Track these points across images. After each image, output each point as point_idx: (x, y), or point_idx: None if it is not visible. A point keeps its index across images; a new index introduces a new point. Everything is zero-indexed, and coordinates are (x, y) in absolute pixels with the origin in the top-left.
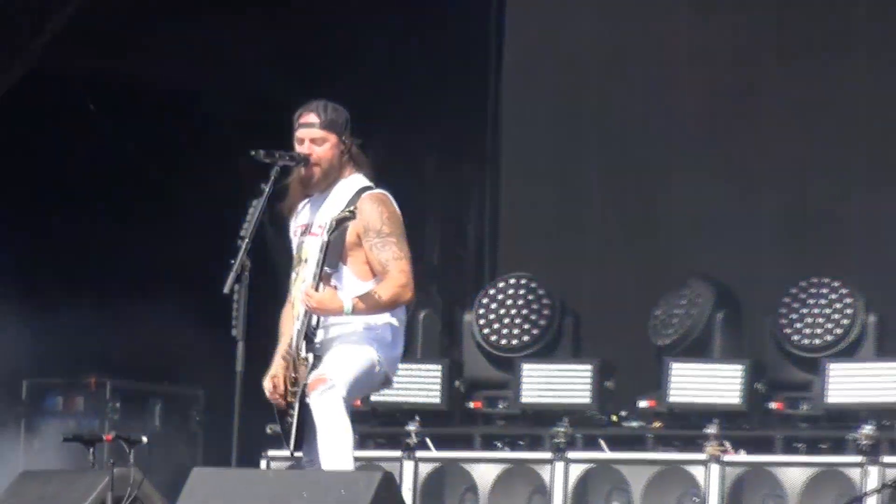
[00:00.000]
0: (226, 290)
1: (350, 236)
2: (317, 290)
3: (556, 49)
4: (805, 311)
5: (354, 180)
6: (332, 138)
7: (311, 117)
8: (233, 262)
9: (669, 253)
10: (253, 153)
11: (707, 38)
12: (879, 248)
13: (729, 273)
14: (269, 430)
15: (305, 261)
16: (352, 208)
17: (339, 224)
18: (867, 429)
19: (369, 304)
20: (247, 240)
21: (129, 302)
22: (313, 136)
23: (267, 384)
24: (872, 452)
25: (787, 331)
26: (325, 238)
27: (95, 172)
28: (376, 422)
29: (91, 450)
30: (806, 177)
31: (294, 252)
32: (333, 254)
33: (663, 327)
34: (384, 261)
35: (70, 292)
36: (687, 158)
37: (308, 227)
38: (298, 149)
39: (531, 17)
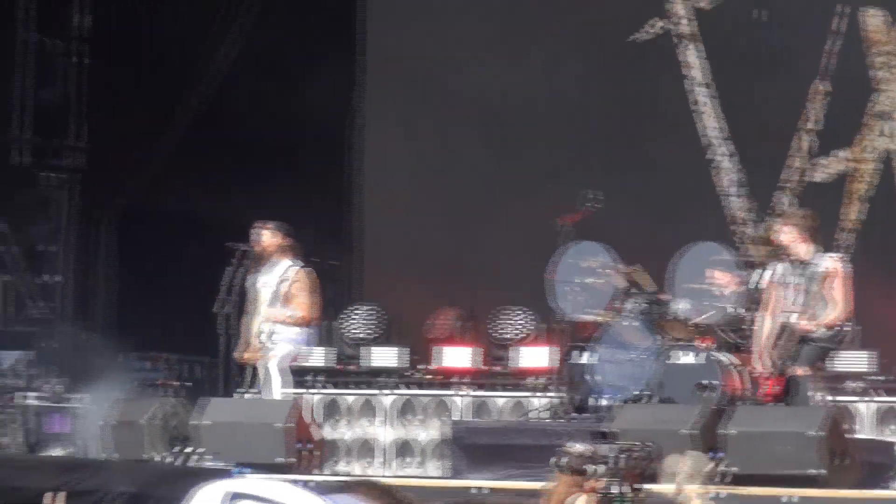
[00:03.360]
0: (214, 309)
1: (290, 289)
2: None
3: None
4: (507, 322)
5: (290, 261)
6: (269, 237)
7: (262, 225)
8: (219, 297)
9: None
10: (228, 243)
11: None
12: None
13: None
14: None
15: (263, 299)
16: (293, 276)
17: (287, 283)
18: (535, 380)
19: (299, 321)
20: (225, 286)
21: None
22: (262, 235)
23: (236, 353)
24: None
25: (497, 331)
26: (276, 289)
27: None
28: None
29: None
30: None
31: (254, 293)
32: (282, 296)
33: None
34: (304, 304)
35: None
36: None
37: (264, 283)
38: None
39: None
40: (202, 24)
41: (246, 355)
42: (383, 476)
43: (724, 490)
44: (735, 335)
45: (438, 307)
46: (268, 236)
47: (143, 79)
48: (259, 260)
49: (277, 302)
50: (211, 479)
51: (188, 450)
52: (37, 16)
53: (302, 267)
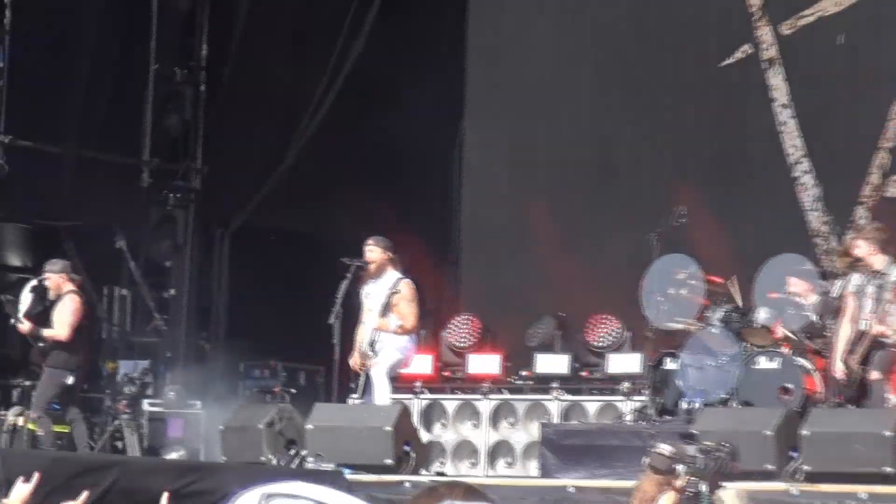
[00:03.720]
0: (330, 320)
1: (393, 300)
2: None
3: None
4: (599, 330)
5: (395, 273)
6: (379, 252)
7: (371, 241)
8: (333, 308)
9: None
10: (342, 259)
11: None
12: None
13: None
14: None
15: (370, 309)
16: (397, 288)
17: (392, 294)
18: (625, 384)
19: (403, 330)
20: (339, 298)
21: None
22: (370, 251)
23: (351, 360)
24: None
25: (590, 339)
26: (385, 300)
27: None
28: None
29: None
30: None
31: (364, 303)
32: (387, 307)
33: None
34: (407, 314)
35: None
36: None
37: (369, 294)
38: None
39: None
40: (312, 51)
41: (357, 362)
42: (480, 476)
43: (799, 487)
44: (815, 342)
45: (535, 317)
46: (376, 251)
47: (257, 104)
48: (368, 273)
49: (385, 312)
50: (315, 479)
51: (302, 453)
52: (158, 47)
53: (406, 279)
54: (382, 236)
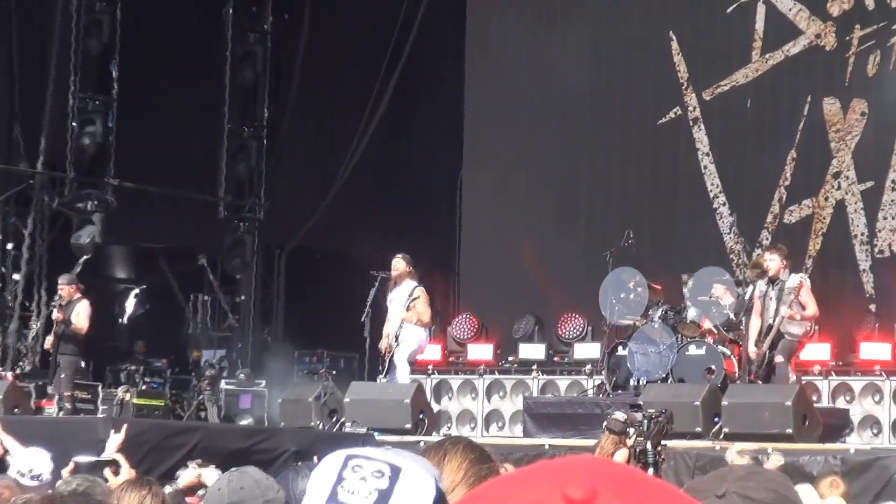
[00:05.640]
0: (361, 319)
1: (412, 303)
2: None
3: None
4: (568, 325)
5: (412, 282)
6: (403, 265)
7: (399, 256)
8: (364, 310)
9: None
10: (372, 271)
11: None
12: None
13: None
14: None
15: (394, 311)
16: (415, 293)
17: (412, 299)
18: (588, 367)
19: (421, 324)
20: (369, 302)
21: None
22: (397, 264)
23: (381, 343)
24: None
25: (561, 332)
26: (406, 304)
27: None
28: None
29: None
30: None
31: (389, 305)
32: (408, 308)
33: (516, 331)
34: (423, 312)
35: None
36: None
37: (393, 299)
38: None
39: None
40: (347, 113)
41: (385, 346)
42: (477, 437)
43: (721, 444)
44: (732, 334)
45: (519, 315)
46: (400, 265)
47: (307, 153)
48: (393, 282)
49: (406, 312)
50: (352, 441)
51: (342, 419)
52: (230, 111)
53: (421, 286)
54: (404, 253)
